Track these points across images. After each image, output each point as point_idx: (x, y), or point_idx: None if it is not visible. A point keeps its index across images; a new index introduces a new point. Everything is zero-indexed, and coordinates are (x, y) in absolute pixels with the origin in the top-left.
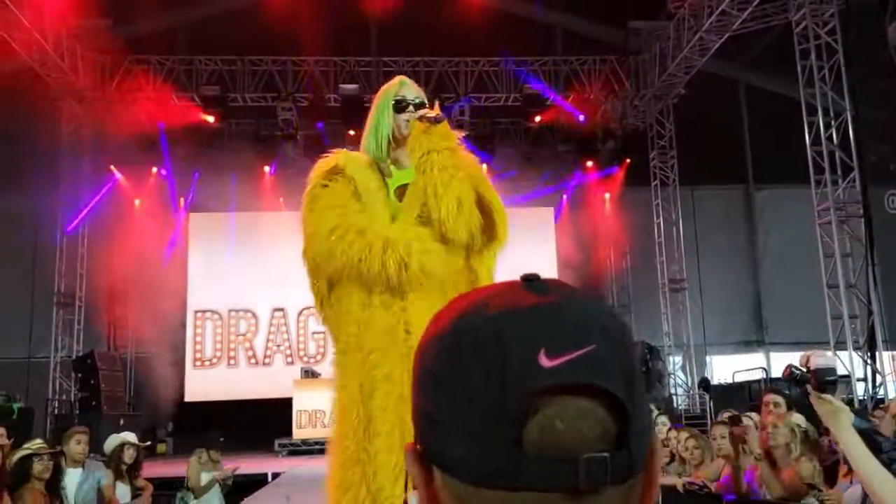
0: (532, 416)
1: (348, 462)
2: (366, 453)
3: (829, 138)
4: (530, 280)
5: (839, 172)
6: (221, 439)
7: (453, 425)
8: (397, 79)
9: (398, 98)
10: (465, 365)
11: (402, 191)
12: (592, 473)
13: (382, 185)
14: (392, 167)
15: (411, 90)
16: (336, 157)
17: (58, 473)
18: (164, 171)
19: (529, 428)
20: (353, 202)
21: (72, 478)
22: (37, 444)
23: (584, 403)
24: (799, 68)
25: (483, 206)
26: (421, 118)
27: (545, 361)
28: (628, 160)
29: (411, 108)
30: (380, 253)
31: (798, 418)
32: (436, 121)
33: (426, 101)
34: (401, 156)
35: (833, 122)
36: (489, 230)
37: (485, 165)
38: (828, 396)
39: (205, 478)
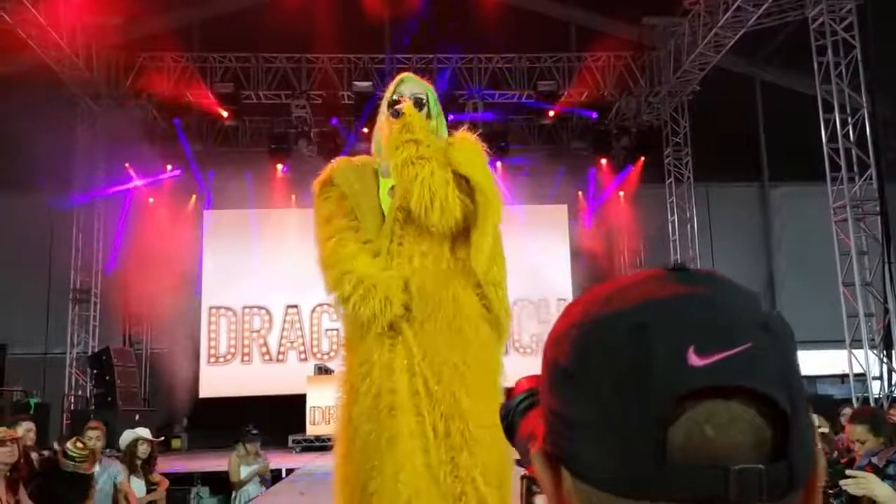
0: (677, 418)
1: (345, 457)
2: (354, 446)
3: (846, 135)
4: (678, 269)
5: (856, 170)
6: (255, 432)
7: (587, 427)
8: (398, 77)
9: (393, 98)
10: (603, 361)
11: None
12: (745, 486)
13: (374, 185)
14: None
15: (409, 86)
16: (329, 168)
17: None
18: (178, 169)
19: (674, 432)
20: (341, 218)
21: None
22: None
23: (737, 408)
24: (815, 64)
25: (469, 188)
26: (393, 114)
27: (695, 359)
28: (643, 157)
29: (409, 103)
30: (366, 298)
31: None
32: (394, 114)
33: (426, 95)
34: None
35: (850, 119)
36: (477, 212)
37: (499, 163)
38: (855, 473)
39: (244, 471)
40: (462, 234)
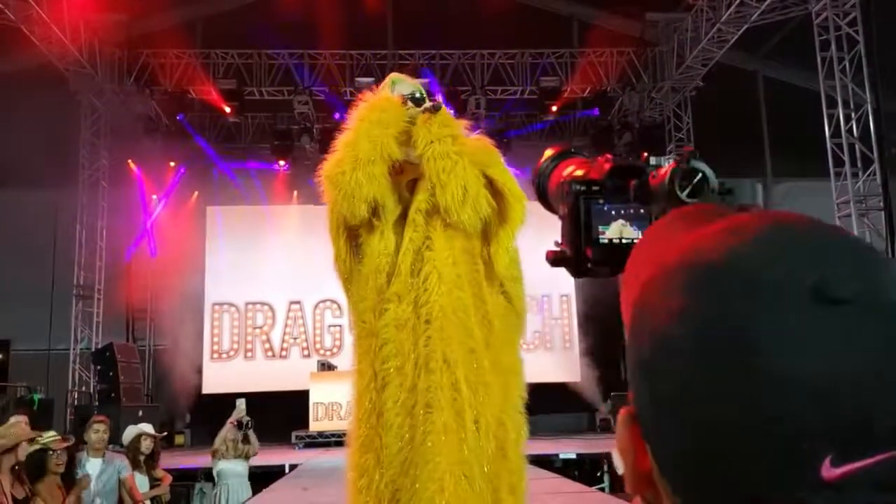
0: None
1: (363, 447)
2: (379, 440)
3: (850, 130)
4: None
5: (859, 165)
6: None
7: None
8: (388, 79)
9: (397, 92)
10: (699, 393)
11: (411, 185)
12: None
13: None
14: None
15: (403, 87)
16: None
17: (72, 465)
18: (181, 165)
19: None
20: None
21: (92, 467)
22: (49, 435)
23: None
24: (819, 60)
25: (496, 190)
26: (424, 110)
27: (829, 471)
28: (645, 153)
29: (409, 103)
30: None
31: None
32: (434, 109)
33: (423, 92)
34: (408, 154)
35: (853, 115)
36: (503, 213)
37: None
38: None
39: (223, 463)
40: (483, 232)
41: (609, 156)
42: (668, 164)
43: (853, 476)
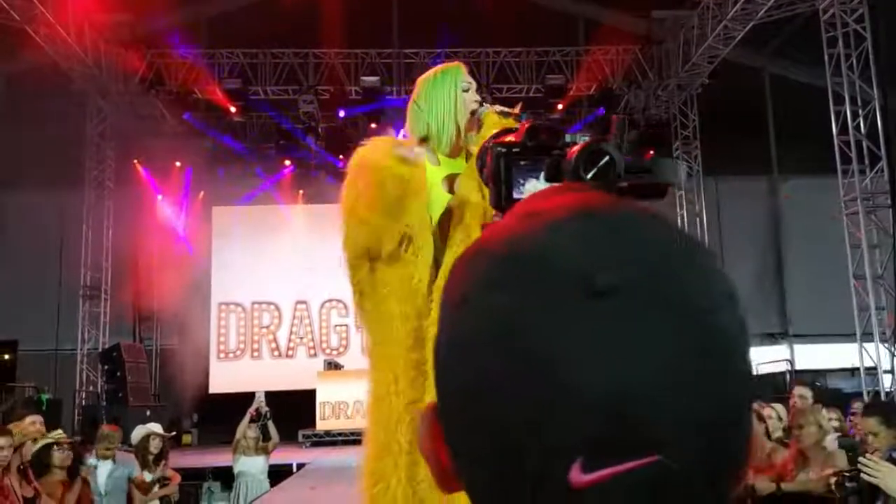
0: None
1: (381, 452)
2: (398, 444)
3: (857, 127)
4: (598, 290)
5: (867, 162)
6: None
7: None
8: (458, 63)
9: (465, 86)
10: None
11: (450, 180)
12: None
13: (422, 173)
14: (440, 156)
15: (470, 78)
16: (408, 145)
17: (78, 461)
18: (187, 165)
19: None
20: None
21: (102, 467)
22: (57, 433)
23: None
24: (826, 56)
25: None
26: (501, 112)
27: (578, 475)
28: (651, 151)
29: (475, 98)
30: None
31: (823, 416)
32: (518, 119)
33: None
34: (459, 144)
35: (861, 111)
36: None
37: None
38: (873, 459)
39: (243, 460)
40: None
41: (531, 120)
42: (581, 143)
43: (603, 483)
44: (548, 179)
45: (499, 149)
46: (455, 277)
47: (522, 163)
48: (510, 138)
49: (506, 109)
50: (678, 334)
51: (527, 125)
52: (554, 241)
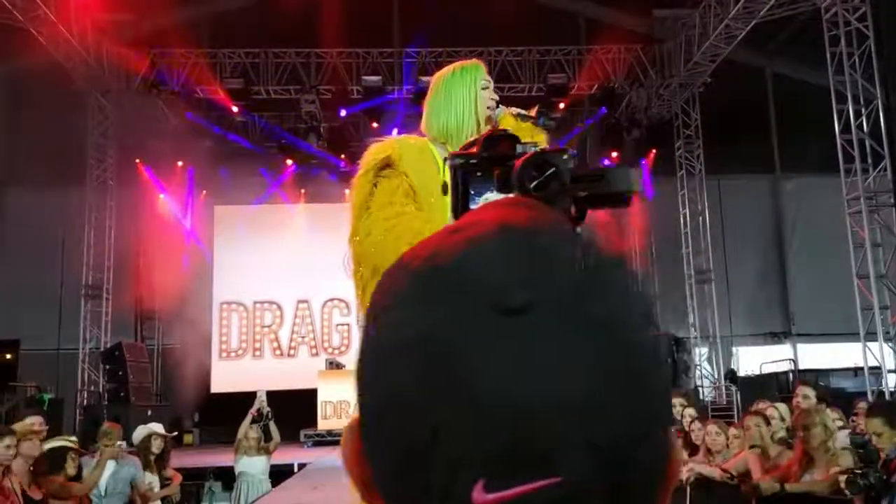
0: None
1: None
2: None
3: (860, 126)
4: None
5: (869, 161)
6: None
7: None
8: (475, 61)
9: (484, 84)
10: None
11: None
12: None
13: (436, 172)
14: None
15: (488, 77)
16: (388, 147)
17: (80, 468)
18: (188, 165)
19: None
20: (407, 202)
21: (105, 467)
22: (72, 440)
23: None
24: (828, 55)
25: None
26: (519, 115)
27: (480, 495)
28: (654, 150)
29: (493, 97)
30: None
31: (828, 416)
32: (537, 123)
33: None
34: None
35: (863, 110)
36: None
37: None
38: None
39: (244, 460)
40: None
41: (490, 129)
42: (526, 154)
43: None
44: (499, 191)
45: (456, 160)
46: (378, 291)
47: (479, 174)
48: (473, 149)
49: (523, 112)
50: (589, 353)
51: (484, 135)
52: (471, 256)
